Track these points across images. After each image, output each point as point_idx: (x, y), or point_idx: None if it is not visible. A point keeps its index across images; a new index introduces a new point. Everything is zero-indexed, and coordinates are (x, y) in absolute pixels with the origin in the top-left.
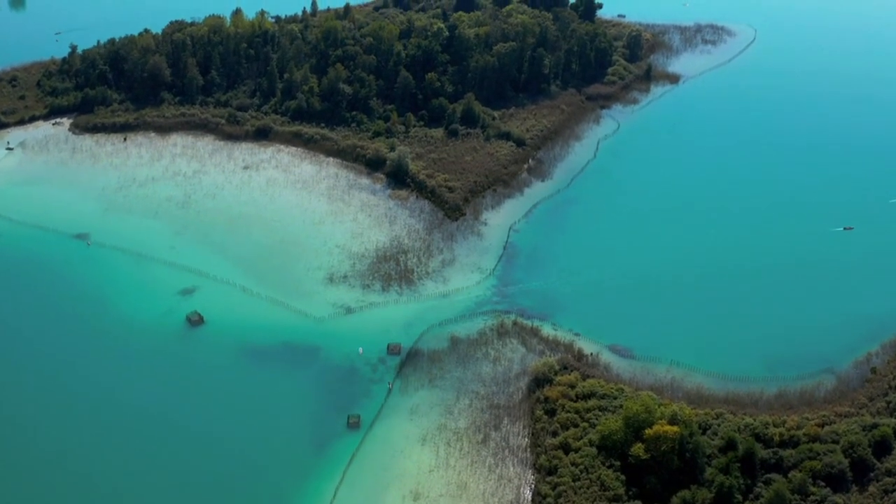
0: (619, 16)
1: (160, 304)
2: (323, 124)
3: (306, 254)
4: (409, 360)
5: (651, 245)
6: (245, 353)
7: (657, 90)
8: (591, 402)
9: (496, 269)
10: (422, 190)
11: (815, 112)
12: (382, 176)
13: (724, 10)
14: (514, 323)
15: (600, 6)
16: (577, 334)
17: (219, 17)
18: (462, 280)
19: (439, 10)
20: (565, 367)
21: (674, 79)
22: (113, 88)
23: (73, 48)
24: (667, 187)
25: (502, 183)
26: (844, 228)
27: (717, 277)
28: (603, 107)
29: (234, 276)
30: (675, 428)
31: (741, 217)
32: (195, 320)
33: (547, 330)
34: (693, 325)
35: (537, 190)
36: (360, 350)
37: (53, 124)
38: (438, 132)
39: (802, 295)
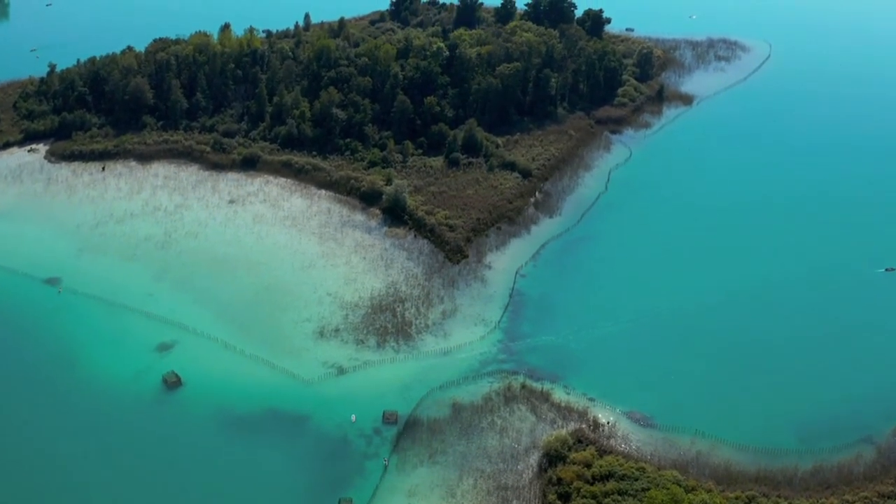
0: (628, 29)
1: (135, 363)
2: (315, 152)
3: (295, 303)
4: (406, 431)
5: (669, 292)
6: (225, 422)
7: (670, 112)
8: (610, 485)
9: (502, 321)
10: (420, 228)
11: (846, 135)
12: (378, 211)
13: (735, 22)
14: (523, 386)
15: (608, 21)
16: (591, 399)
17: (205, 34)
18: (464, 334)
19: (439, 27)
20: (580, 441)
21: (687, 100)
22: (92, 112)
23: (52, 67)
24: (685, 225)
25: (507, 220)
26: (886, 270)
27: (742, 329)
28: (613, 131)
29: (215, 329)
30: None
31: (769, 258)
32: (172, 382)
33: (558, 394)
34: (717, 385)
35: (545, 227)
36: (353, 418)
37: (28, 151)
38: (438, 161)
39: (836, 350)
